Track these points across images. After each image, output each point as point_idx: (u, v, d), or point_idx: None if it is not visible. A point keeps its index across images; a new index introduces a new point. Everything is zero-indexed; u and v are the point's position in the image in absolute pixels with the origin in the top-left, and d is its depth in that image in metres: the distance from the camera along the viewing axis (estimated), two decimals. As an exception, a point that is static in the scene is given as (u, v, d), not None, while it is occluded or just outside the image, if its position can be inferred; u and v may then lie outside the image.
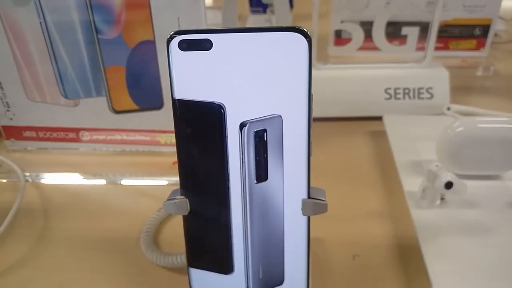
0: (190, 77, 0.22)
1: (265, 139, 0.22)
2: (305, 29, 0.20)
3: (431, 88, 0.51)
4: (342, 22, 0.58)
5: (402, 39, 0.54)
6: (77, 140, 0.46)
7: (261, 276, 0.25)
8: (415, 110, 0.51)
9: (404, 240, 0.33)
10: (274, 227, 0.24)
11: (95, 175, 0.43)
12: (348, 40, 0.55)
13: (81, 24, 0.39)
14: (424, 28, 0.51)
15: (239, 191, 0.23)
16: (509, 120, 0.35)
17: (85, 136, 0.46)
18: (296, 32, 0.20)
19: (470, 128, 0.35)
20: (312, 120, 0.22)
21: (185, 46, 0.21)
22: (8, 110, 0.45)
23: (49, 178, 0.43)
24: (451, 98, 0.51)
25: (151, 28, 0.39)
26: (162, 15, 0.38)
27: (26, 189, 0.41)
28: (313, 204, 0.23)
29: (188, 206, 0.25)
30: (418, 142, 0.43)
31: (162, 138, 0.45)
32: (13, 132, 0.47)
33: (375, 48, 0.53)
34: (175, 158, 0.24)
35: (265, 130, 0.22)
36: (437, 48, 0.65)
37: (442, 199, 0.34)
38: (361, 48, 0.55)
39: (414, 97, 0.51)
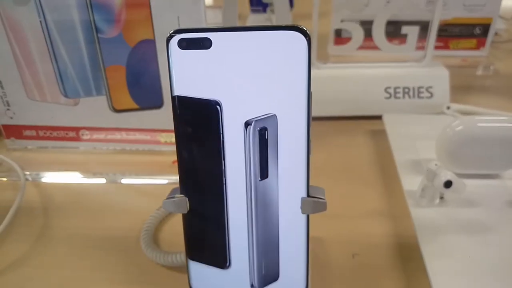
0: (190, 75, 0.22)
1: (266, 137, 0.22)
2: (304, 28, 0.20)
3: (431, 87, 0.51)
4: (342, 21, 0.58)
5: (402, 38, 0.54)
6: (77, 139, 0.46)
7: (263, 272, 0.25)
8: (415, 109, 0.51)
9: (404, 239, 0.33)
10: (272, 223, 0.24)
11: (95, 174, 0.43)
12: (348, 39, 0.55)
13: (81, 23, 0.40)
14: (424, 27, 0.51)
15: (243, 188, 0.24)
16: (509, 119, 0.35)
17: (85, 135, 0.46)
18: (295, 30, 0.20)
19: (469, 127, 0.35)
20: (311, 119, 0.22)
21: (185, 44, 0.21)
22: (8, 109, 0.45)
23: (49, 177, 0.43)
24: (451, 97, 0.51)
25: (151, 27, 0.39)
26: (162, 14, 0.38)
27: (26, 187, 0.41)
28: (313, 202, 0.23)
29: (188, 204, 0.25)
30: (417, 141, 0.43)
31: (162, 137, 0.45)
32: (13, 131, 0.47)
33: (375, 47, 0.53)
34: (175, 157, 0.24)
35: (266, 129, 0.22)
36: (437, 47, 0.65)
37: (441, 198, 0.34)
38: (361, 47, 0.55)
39: (414, 96, 0.51)
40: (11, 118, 0.46)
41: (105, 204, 0.39)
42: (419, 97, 0.51)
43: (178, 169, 0.24)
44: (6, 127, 0.46)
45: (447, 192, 0.33)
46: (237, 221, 0.24)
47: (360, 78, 0.52)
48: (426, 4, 0.59)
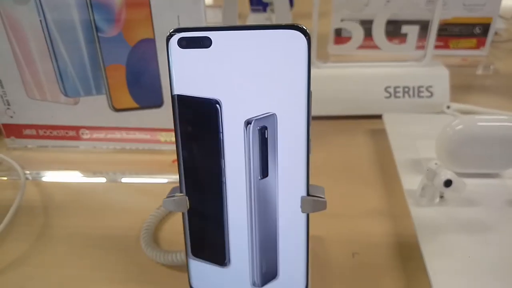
0: (190, 74, 0.22)
1: (266, 136, 0.22)
2: (304, 27, 0.20)
3: (431, 86, 0.51)
4: (342, 20, 0.58)
5: (402, 37, 0.54)
6: (77, 138, 0.46)
7: (264, 270, 0.25)
8: (415, 109, 0.51)
9: (404, 238, 0.33)
10: (272, 221, 0.24)
11: (95, 173, 0.43)
12: (348, 38, 0.55)
13: (81, 22, 0.40)
14: (424, 26, 0.51)
15: (243, 187, 0.24)
16: (509, 118, 0.35)
17: (85, 134, 0.46)
18: (295, 29, 0.20)
19: (469, 126, 0.35)
20: (311, 118, 0.22)
21: (185, 43, 0.21)
22: (8, 108, 0.45)
23: (49, 176, 0.43)
24: (451, 96, 0.51)
25: (151, 27, 0.39)
26: (162, 14, 0.38)
27: (26, 187, 0.41)
28: (312, 201, 0.23)
29: (188, 203, 0.25)
30: (417, 140, 0.43)
31: (162, 136, 0.45)
32: (13, 130, 0.47)
33: (375, 47, 0.53)
34: (175, 156, 0.24)
35: (266, 127, 0.22)
36: (437, 47, 0.65)
37: (441, 197, 0.34)
38: (361, 47, 0.55)
39: (414, 95, 0.51)
40: (11, 117, 0.46)
41: (105, 203, 0.39)
42: (419, 96, 0.51)
43: (178, 168, 0.24)
44: (6, 126, 0.46)
45: (447, 191, 0.33)
46: (237, 220, 0.25)
47: (360, 77, 0.52)
48: (426, 4, 0.59)
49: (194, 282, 0.27)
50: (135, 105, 0.43)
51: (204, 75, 0.22)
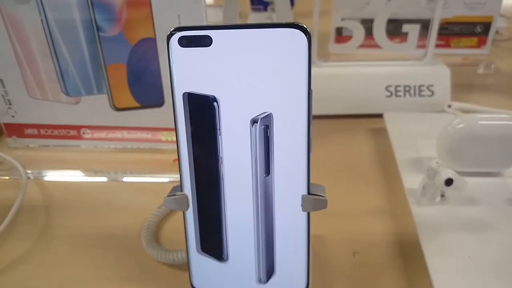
0: (190, 73, 0.22)
1: (268, 134, 0.22)
2: (304, 26, 0.20)
3: (432, 85, 0.51)
4: (343, 19, 0.58)
5: (403, 36, 0.54)
6: (78, 137, 0.46)
7: (267, 266, 0.25)
8: (416, 108, 0.51)
9: (404, 237, 0.33)
10: (272, 219, 0.24)
11: (97, 172, 0.43)
12: (349, 37, 0.55)
13: (82, 22, 0.40)
14: (425, 25, 0.51)
15: (244, 185, 0.24)
16: (510, 117, 0.35)
17: (87, 133, 0.46)
18: (295, 28, 0.20)
19: (470, 125, 0.35)
20: (311, 117, 0.22)
21: (185, 42, 0.22)
22: (10, 108, 0.45)
23: (51, 176, 0.43)
24: (452, 95, 0.51)
25: (151, 26, 0.39)
26: (162, 13, 0.38)
27: (28, 186, 0.41)
28: (313, 200, 0.23)
29: (188, 202, 0.25)
30: (418, 139, 0.43)
31: (163, 135, 0.45)
32: (15, 130, 0.47)
33: (376, 46, 0.53)
34: (176, 156, 0.24)
35: (268, 126, 0.22)
36: (438, 46, 0.65)
37: (442, 196, 0.34)
38: (362, 46, 0.55)
39: (415, 94, 0.51)
40: (13, 116, 0.46)
41: (106, 203, 0.39)
42: (420, 95, 0.51)
43: (179, 167, 0.24)
44: (7, 125, 0.47)
45: (448, 190, 0.33)
46: (239, 217, 0.25)
47: (361, 76, 0.52)
48: (427, 3, 0.59)
49: (195, 281, 0.27)
50: (136, 104, 0.43)
51: (205, 74, 0.22)
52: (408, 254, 0.32)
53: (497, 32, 0.73)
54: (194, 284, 0.27)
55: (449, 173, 0.32)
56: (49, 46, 0.41)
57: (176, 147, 0.24)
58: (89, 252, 0.33)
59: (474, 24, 0.67)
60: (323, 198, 0.23)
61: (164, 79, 0.41)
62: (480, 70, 0.65)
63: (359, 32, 0.54)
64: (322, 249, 0.32)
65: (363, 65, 0.52)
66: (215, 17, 0.77)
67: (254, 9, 0.84)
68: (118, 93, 0.43)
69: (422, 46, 0.53)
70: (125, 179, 0.42)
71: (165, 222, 0.36)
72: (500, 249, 0.30)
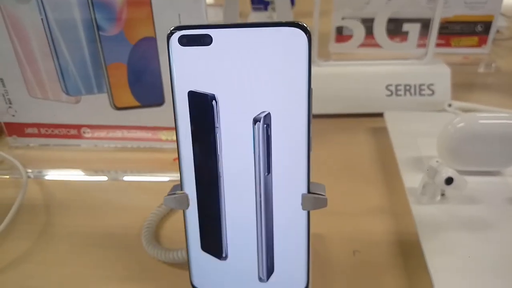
0: (190, 72, 0.22)
1: (268, 133, 0.22)
2: (304, 24, 0.20)
3: (432, 84, 0.51)
4: (343, 19, 0.58)
5: (403, 35, 0.54)
6: (78, 136, 0.46)
7: (266, 266, 0.25)
8: (416, 107, 0.51)
9: (405, 236, 0.33)
10: (271, 218, 0.24)
11: (97, 172, 0.43)
12: (349, 37, 0.55)
13: (83, 21, 0.40)
14: (425, 24, 0.51)
15: (245, 183, 0.24)
16: (510, 116, 0.35)
17: (87, 132, 0.46)
18: (295, 27, 0.20)
19: (471, 124, 0.35)
20: (312, 115, 0.22)
21: (185, 41, 0.22)
22: (10, 107, 0.45)
23: (51, 175, 0.43)
24: (452, 94, 0.51)
25: (152, 25, 0.39)
26: (163, 12, 0.38)
27: (28, 185, 0.41)
28: (313, 198, 0.23)
29: (188, 201, 0.25)
30: (419, 138, 0.43)
31: (163, 134, 0.45)
32: (15, 129, 0.47)
33: (376, 45, 0.53)
34: (176, 155, 0.24)
35: (268, 125, 0.22)
36: (438, 45, 0.65)
37: (442, 195, 0.34)
38: (362, 45, 0.55)
39: (415, 93, 0.51)
40: (13, 116, 0.46)
41: (107, 202, 0.39)
42: (420, 94, 0.51)
43: (179, 166, 0.24)
44: (8, 125, 0.47)
45: (448, 189, 0.33)
46: (239, 216, 0.25)
47: (361, 75, 0.52)
48: (427, 2, 0.59)
49: (195, 280, 0.27)
50: (137, 103, 0.43)
51: (205, 73, 0.22)
52: (408, 253, 0.32)
53: (497, 31, 0.73)
54: (194, 283, 0.27)
55: (449, 172, 0.32)
56: (49, 45, 0.41)
57: (176, 146, 0.24)
58: (89, 251, 0.33)
59: (475, 23, 0.67)
60: (323, 197, 0.23)
61: (164, 78, 0.41)
62: (481, 69, 0.65)
63: (359, 32, 0.54)
64: (322, 248, 0.32)
65: (364, 65, 0.52)
66: (216, 17, 0.76)
67: (255, 9, 0.84)
68: (119, 92, 0.43)
69: (422, 45, 0.53)
70: (125, 178, 0.42)
71: (165, 221, 0.36)
72: (500, 248, 0.30)
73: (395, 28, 0.55)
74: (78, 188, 0.41)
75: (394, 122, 0.46)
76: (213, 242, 0.26)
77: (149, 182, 0.42)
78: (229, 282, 0.26)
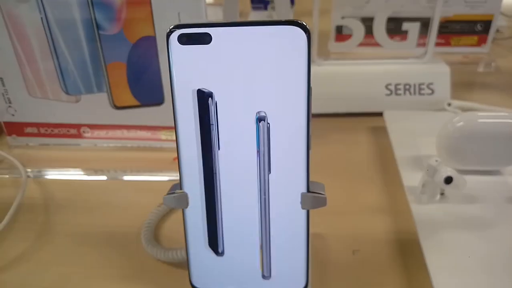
0: (190, 70, 0.22)
1: (269, 132, 0.22)
2: (304, 23, 0.20)
3: (432, 83, 0.51)
4: (343, 18, 0.58)
5: (403, 35, 0.54)
6: (78, 136, 0.46)
7: (266, 265, 0.25)
8: (415, 106, 0.51)
9: (404, 235, 0.33)
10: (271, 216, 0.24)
11: (96, 171, 0.43)
12: (349, 36, 0.55)
13: (82, 20, 0.40)
14: (425, 23, 0.51)
15: (245, 183, 0.24)
16: (510, 115, 0.35)
17: (86, 132, 0.46)
18: (295, 26, 0.20)
19: (470, 123, 0.35)
20: (311, 115, 0.22)
21: (185, 40, 0.22)
22: (9, 106, 0.45)
23: (51, 174, 0.43)
24: (452, 94, 0.51)
25: (151, 24, 0.39)
26: (162, 11, 0.38)
27: (28, 184, 0.41)
28: (312, 198, 0.23)
29: (188, 200, 0.25)
30: (418, 137, 0.43)
31: (163, 134, 0.45)
32: (15, 128, 0.47)
33: (376, 44, 0.53)
34: (176, 154, 0.24)
35: (269, 124, 0.22)
36: (438, 44, 0.65)
37: (442, 194, 0.34)
38: (362, 44, 0.55)
39: (415, 93, 0.51)
40: (13, 115, 0.46)
41: (106, 201, 0.39)
42: (420, 93, 0.51)
43: (178, 165, 0.24)
44: (7, 124, 0.47)
45: (448, 188, 0.33)
46: (238, 214, 0.25)
47: (361, 75, 0.52)
48: (427, 1, 0.59)
49: (194, 279, 0.27)
50: (136, 102, 0.43)
51: (205, 71, 0.22)
52: (408, 252, 0.32)
53: (497, 30, 0.73)
54: (194, 282, 0.27)
55: (449, 171, 0.32)
56: (49, 45, 0.41)
57: (175, 146, 0.24)
58: (89, 250, 0.33)
59: (475, 22, 0.67)
60: (323, 196, 0.23)
61: (164, 77, 0.41)
62: (480, 69, 0.65)
63: (359, 31, 0.54)
64: (322, 247, 0.32)
65: (363, 64, 0.52)
66: (215, 16, 0.76)
67: (254, 8, 0.84)
68: (118, 91, 0.43)
69: (422, 44, 0.53)
70: (125, 177, 0.42)
71: (165, 220, 0.36)
72: (499, 247, 0.30)
73: (395, 27, 0.55)
74: (77, 187, 0.41)
75: (393, 121, 0.46)
76: (211, 238, 0.26)
77: (149, 181, 0.42)
78: (229, 281, 0.26)
